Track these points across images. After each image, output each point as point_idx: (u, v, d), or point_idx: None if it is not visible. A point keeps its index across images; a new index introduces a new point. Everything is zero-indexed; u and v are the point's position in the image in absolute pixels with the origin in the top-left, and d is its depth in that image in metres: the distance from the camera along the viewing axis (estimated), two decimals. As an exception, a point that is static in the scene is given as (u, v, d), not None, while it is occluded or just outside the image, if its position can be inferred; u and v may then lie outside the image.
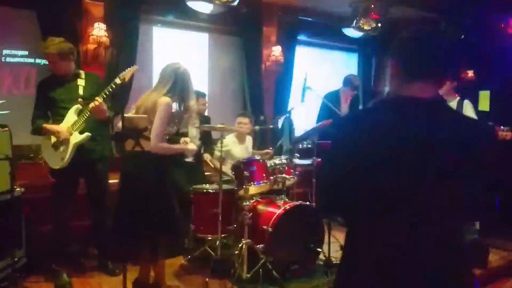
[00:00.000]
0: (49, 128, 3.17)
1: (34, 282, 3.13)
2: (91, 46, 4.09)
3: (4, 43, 3.90)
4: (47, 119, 3.26)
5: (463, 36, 5.49)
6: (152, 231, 2.71)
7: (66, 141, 3.14)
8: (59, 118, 3.21)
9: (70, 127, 3.15)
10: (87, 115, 3.12)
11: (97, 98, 3.04)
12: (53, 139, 3.18)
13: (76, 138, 3.16)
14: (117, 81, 2.98)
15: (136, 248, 2.91)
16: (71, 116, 3.18)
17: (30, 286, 3.05)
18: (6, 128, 3.19)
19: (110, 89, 3.04)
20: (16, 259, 3.00)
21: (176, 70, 2.71)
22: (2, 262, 2.99)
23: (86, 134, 3.17)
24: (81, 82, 3.26)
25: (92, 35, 4.03)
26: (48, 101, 3.23)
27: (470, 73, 5.99)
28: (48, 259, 3.25)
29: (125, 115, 2.34)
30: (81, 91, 3.24)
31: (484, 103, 4.34)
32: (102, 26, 4.06)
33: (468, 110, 3.71)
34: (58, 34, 3.63)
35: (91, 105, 3.03)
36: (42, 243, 3.30)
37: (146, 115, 2.46)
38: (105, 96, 3.05)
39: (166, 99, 2.58)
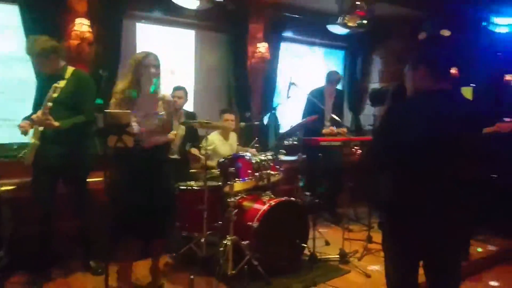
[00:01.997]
0: None
1: (16, 283, 3.08)
2: (74, 42, 4.01)
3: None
4: None
5: (449, 34, 5.54)
6: (150, 227, 2.74)
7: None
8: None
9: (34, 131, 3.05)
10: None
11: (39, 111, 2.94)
12: None
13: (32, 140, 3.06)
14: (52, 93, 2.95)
15: (131, 244, 2.92)
16: None
17: (11, 286, 3.01)
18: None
19: (49, 103, 2.91)
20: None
21: (134, 59, 2.80)
22: (-17, 262, 2.95)
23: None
24: (62, 83, 3.08)
25: (75, 30, 3.96)
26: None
27: (454, 70, 6.05)
28: (31, 259, 3.19)
29: (106, 110, 2.31)
30: (55, 93, 3.01)
31: (467, 99, 4.43)
32: (85, 21, 3.99)
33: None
34: (41, 29, 3.59)
35: (33, 116, 2.96)
36: (25, 243, 3.25)
37: (129, 111, 2.43)
38: (46, 110, 2.90)
39: (119, 86, 2.75)
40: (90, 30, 4.03)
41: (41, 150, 3.05)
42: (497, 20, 5.38)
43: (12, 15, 3.78)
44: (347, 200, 4.09)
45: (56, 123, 2.93)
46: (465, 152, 1.91)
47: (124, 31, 4.29)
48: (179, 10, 4.50)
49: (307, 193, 3.81)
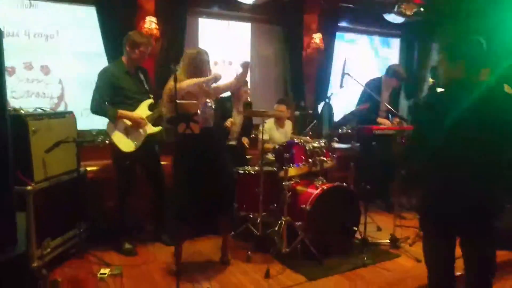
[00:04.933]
0: (130, 115, 3.40)
1: (100, 251, 3.49)
2: (143, 39, 4.41)
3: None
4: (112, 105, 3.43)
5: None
6: (217, 206, 3.07)
7: (140, 129, 3.46)
8: (126, 107, 3.43)
9: (146, 118, 3.47)
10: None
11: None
12: (126, 124, 3.41)
13: (151, 129, 3.52)
14: None
15: (197, 224, 3.25)
16: (144, 108, 3.50)
17: (96, 253, 3.42)
18: (72, 114, 3.58)
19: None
20: (82, 230, 3.42)
21: (185, 55, 3.12)
22: (70, 232, 3.41)
23: (160, 128, 3.55)
24: (141, 76, 3.58)
25: (145, 28, 4.34)
26: (114, 89, 3.41)
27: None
28: (111, 231, 3.63)
29: (177, 101, 2.60)
30: (145, 85, 3.58)
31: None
32: (153, 19, 4.36)
33: None
34: (116, 28, 4.03)
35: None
36: (105, 218, 3.72)
37: (196, 101, 2.73)
38: None
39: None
40: (157, 27, 4.40)
41: None
42: None
43: (91, 15, 4.22)
44: (400, 188, 4.14)
45: None
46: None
47: (187, 26, 4.61)
48: (236, 5, 4.76)
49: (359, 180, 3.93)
